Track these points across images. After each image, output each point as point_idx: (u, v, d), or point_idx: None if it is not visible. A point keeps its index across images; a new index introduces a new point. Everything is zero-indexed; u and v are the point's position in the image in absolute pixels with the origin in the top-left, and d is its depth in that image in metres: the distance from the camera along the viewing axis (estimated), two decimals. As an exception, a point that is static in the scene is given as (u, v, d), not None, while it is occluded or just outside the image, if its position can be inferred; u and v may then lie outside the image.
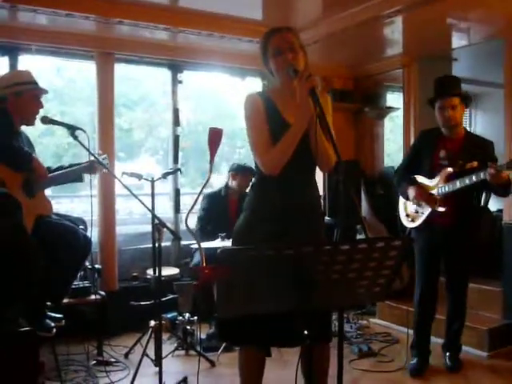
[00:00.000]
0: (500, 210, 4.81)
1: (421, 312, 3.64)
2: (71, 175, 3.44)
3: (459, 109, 3.46)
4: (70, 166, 3.45)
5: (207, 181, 2.39)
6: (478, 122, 7.71)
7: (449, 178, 3.41)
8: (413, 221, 3.66)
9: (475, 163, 3.34)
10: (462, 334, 3.68)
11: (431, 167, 3.55)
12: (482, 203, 5.98)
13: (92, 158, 3.22)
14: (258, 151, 2.28)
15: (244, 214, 2.38)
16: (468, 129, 7.77)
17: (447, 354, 3.72)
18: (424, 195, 3.50)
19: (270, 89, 2.41)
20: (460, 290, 3.60)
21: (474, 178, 3.22)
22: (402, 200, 3.79)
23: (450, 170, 3.42)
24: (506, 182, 3.16)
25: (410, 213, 3.69)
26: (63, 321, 3.29)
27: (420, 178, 3.61)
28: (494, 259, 4.42)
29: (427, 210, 3.52)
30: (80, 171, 3.42)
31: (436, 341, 3.77)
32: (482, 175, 3.16)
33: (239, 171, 4.75)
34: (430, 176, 3.54)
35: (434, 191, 3.49)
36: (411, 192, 3.55)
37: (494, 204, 5.92)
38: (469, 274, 3.63)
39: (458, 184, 3.32)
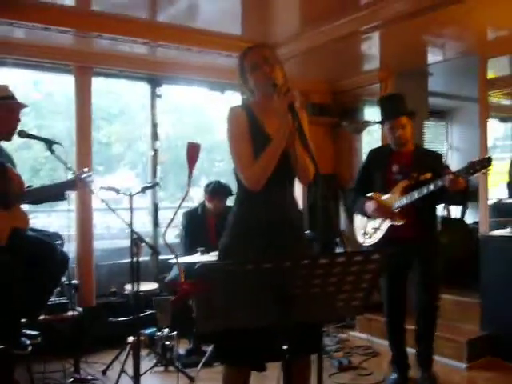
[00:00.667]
0: (476, 223, 4.88)
1: (391, 328, 3.62)
2: (51, 190, 3.37)
3: (408, 126, 3.50)
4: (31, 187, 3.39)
5: (185, 195, 2.38)
6: (454, 135, 7.84)
7: (405, 191, 3.41)
8: (370, 238, 3.61)
9: (428, 174, 3.34)
10: (432, 351, 3.60)
11: (385, 183, 3.54)
12: (459, 216, 6.10)
13: (74, 175, 3.20)
14: (241, 166, 2.28)
15: (227, 231, 2.36)
16: (444, 143, 7.98)
17: (420, 371, 3.60)
18: (383, 208, 3.47)
19: (252, 102, 2.42)
20: (432, 300, 3.49)
21: (431, 186, 3.22)
22: (358, 218, 3.75)
23: (405, 182, 3.43)
24: (463, 188, 3.14)
25: (368, 230, 3.64)
26: (39, 338, 3.24)
27: (374, 195, 3.58)
28: (471, 271, 4.47)
29: (385, 225, 3.50)
30: (61, 187, 3.36)
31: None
32: (439, 183, 3.16)
33: (215, 195, 4.65)
34: (385, 192, 3.53)
35: (391, 205, 3.46)
36: (369, 206, 3.51)
37: (470, 216, 6.03)
38: (438, 285, 3.55)
39: (415, 195, 3.31)
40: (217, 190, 4.65)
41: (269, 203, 2.28)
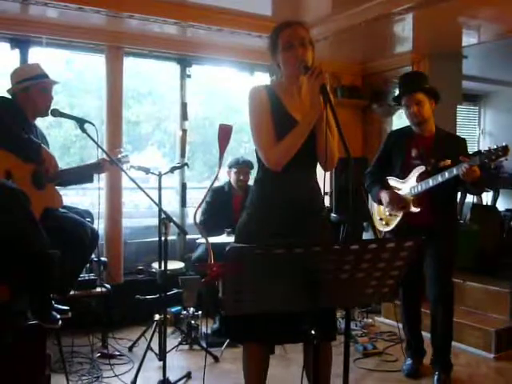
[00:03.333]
0: (508, 210, 4.78)
1: (406, 312, 3.58)
2: (80, 172, 3.45)
3: (426, 104, 3.33)
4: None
5: (216, 177, 2.38)
6: (487, 121, 7.67)
7: (421, 177, 3.32)
8: (387, 224, 3.56)
9: (448, 161, 3.22)
10: (450, 350, 3.45)
11: (403, 167, 3.45)
12: (490, 203, 5.98)
13: (101, 157, 3.25)
14: (263, 146, 2.26)
15: (247, 211, 2.36)
16: (476, 128, 7.81)
17: (436, 373, 3.41)
18: (397, 199, 3.39)
19: (275, 83, 2.39)
20: (445, 289, 3.38)
21: (446, 174, 3.12)
22: (375, 204, 3.69)
23: (422, 168, 3.33)
24: (476, 178, 3.03)
25: (384, 216, 3.59)
26: (69, 313, 3.30)
27: (391, 180, 3.51)
28: (502, 259, 4.39)
29: (401, 211, 3.44)
30: (89, 169, 3.43)
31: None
32: (454, 171, 3.06)
33: (243, 166, 4.73)
34: (402, 176, 3.45)
35: (407, 192, 3.38)
36: (384, 197, 3.44)
37: (502, 203, 5.92)
38: (451, 273, 3.43)
39: (430, 182, 3.22)
40: (244, 161, 4.75)
41: (290, 186, 2.26)
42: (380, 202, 3.53)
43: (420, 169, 3.34)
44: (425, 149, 3.38)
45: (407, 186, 3.41)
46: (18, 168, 3.03)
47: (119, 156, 3.42)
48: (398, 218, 3.47)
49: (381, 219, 3.64)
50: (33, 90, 3.23)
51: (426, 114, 3.35)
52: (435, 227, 3.29)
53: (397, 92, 3.57)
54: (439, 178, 3.17)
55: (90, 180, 3.53)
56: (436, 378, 3.38)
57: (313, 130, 2.23)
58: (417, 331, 3.60)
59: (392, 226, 3.52)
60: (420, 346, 3.61)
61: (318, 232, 2.29)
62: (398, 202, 3.41)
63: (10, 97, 3.30)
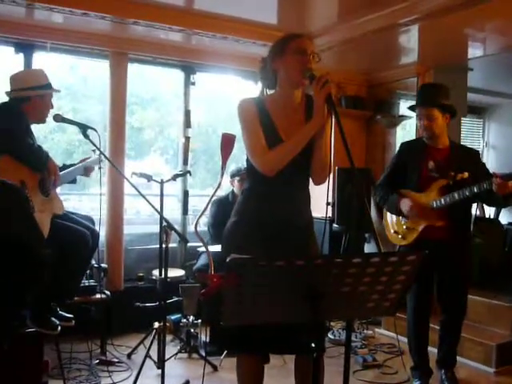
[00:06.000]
0: (511, 224, 4.76)
1: (415, 330, 3.50)
2: (74, 173, 3.44)
3: (438, 120, 3.30)
4: (64, 166, 3.43)
5: (218, 186, 2.36)
6: (491, 133, 7.66)
7: (442, 191, 3.28)
8: (404, 238, 3.46)
9: (466, 174, 3.20)
10: (457, 348, 3.53)
11: (419, 180, 3.38)
12: (493, 216, 5.96)
13: (96, 156, 3.28)
14: (256, 152, 2.23)
15: (233, 219, 2.35)
16: (480, 140, 7.80)
17: (442, 371, 3.51)
18: (420, 206, 3.30)
19: (265, 96, 2.36)
20: (460, 302, 3.41)
21: (475, 189, 3.07)
22: (389, 215, 3.61)
23: (443, 181, 3.29)
24: (510, 191, 2.99)
25: (401, 229, 3.49)
26: (73, 321, 3.28)
27: (407, 192, 3.41)
28: (504, 273, 4.36)
29: (421, 226, 3.34)
30: (73, 172, 3.42)
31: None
32: (485, 186, 3.01)
33: (236, 175, 4.73)
34: (418, 189, 3.38)
35: (428, 205, 3.31)
36: (405, 204, 3.32)
37: (505, 217, 5.89)
38: (467, 289, 3.46)
39: (456, 196, 3.17)
40: (237, 172, 4.72)
41: (277, 199, 2.24)
42: (399, 213, 3.42)
43: (441, 182, 3.30)
44: (442, 161, 3.35)
45: (427, 199, 3.33)
46: (29, 177, 3.00)
47: (87, 161, 3.42)
48: (417, 233, 3.37)
49: (396, 232, 3.53)
50: (34, 99, 3.17)
51: (436, 130, 3.32)
52: (452, 242, 3.28)
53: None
54: (466, 193, 3.12)
55: (74, 181, 3.55)
56: (443, 371, 3.48)
57: (309, 141, 2.20)
58: (425, 351, 3.52)
59: (409, 241, 3.42)
60: (427, 366, 3.53)
61: (303, 246, 2.26)
62: (420, 209, 3.30)
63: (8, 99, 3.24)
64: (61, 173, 3.27)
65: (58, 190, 3.51)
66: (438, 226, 3.29)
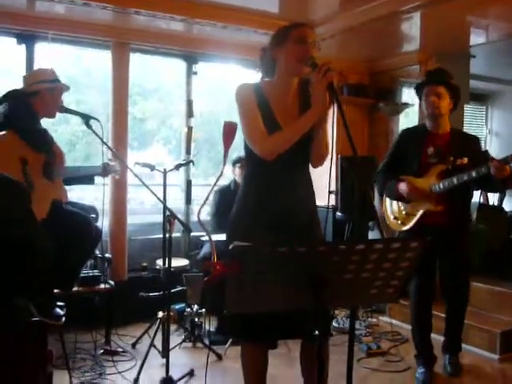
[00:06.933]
0: (515, 210, 4.76)
1: (418, 316, 3.51)
2: (83, 171, 3.50)
3: (445, 99, 3.31)
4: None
5: (220, 175, 2.36)
6: (495, 120, 7.62)
7: (441, 176, 3.29)
8: (403, 223, 3.49)
9: (465, 159, 3.22)
10: (461, 333, 3.56)
11: (419, 165, 3.38)
12: (497, 203, 5.95)
13: (104, 161, 3.34)
14: (256, 137, 2.24)
15: (237, 205, 2.38)
16: (484, 127, 7.76)
17: (447, 356, 3.58)
18: (419, 190, 3.32)
19: (264, 82, 2.36)
20: (462, 288, 3.44)
21: (473, 173, 3.08)
22: (388, 202, 3.63)
23: (441, 166, 3.30)
24: (507, 175, 3.01)
25: (400, 215, 3.52)
26: (64, 309, 3.30)
27: (406, 178, 3.42)
28: (508, 260, 4.36)
29: (420, 210, 3.36)
30: (93, 172, 3.46)
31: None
32: (483, 170, 3.02)
33: (237, 163, 4.77)
34: (418, 175, 3.39)
35: (427, 189, 3.32)
36: (403, 188, 3.34)
37: (508, 204, 5.88)
38: (468, 274, 3.48)
39: (455, 181, 3.18)
40: (238, 159, 4.75)
41: (281, 181, 2.25)
42: (399, 198, 3.44)
43: (440, 167, 3.31)
44: (442, 147, 3.35)
45: (426, 183, 3.34)
46: (32, 156, 3.07)
47: (109, 166, 3.45)
48: (416, 218, 3.40)
49: (395, 218, 3.56)
50: (43, 93, 3.21)
51: (443, 109, 3.33)
52: (451, 227, 3.29)
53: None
54: (465, 177, 3.13)
55: (91, 182, 3.57)
56: (448, 357, 3.56)
57: (314, 127, 2.21)
58: (428, 338, 3.53)
59: (409, 226, 3.45)
60: (431, 354, 3.54)
61: (307, 231, 2.27)
62: (419, 192, 3.32)
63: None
64: (70, 166, 3.33)
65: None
66: (437, 211, 3.30)
